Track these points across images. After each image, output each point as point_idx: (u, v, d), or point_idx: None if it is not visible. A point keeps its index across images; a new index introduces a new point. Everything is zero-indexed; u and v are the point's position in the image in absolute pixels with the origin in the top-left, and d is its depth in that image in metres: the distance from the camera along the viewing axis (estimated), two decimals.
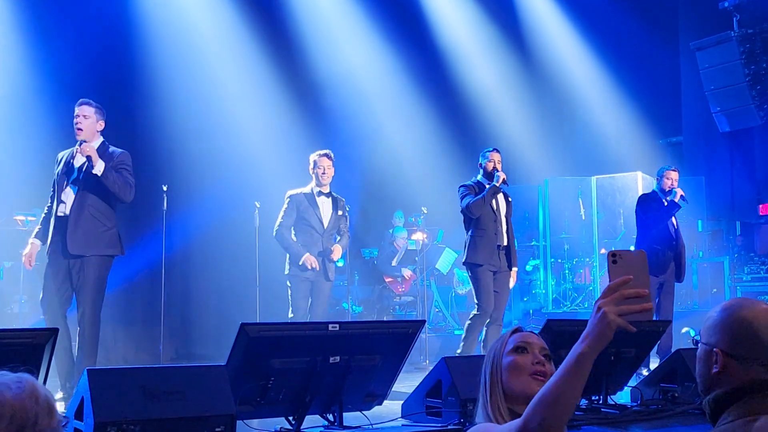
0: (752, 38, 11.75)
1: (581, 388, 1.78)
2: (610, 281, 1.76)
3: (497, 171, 7.04)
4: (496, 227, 7.02)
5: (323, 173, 7.03)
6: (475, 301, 7.06)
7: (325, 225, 7.04)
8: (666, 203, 7.66)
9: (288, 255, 7.07)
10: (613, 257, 1.76)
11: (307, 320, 6.81)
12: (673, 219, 7.74)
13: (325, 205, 7.08)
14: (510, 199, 7.32)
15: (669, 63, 13.47)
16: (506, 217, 7.15)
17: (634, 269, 1.75)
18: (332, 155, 7.12)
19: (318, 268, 6.96)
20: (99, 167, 5.75)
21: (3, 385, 1.40)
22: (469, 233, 7.08)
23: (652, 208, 7.69)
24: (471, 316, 7.02)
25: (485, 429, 2.00)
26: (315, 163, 7.09)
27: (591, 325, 1.77)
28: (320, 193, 7.09)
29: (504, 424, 1.95)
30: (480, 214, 6.98)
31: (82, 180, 5.81)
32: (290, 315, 7.00)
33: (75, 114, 5.87)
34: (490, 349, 2.30)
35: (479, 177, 7.20)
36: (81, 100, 5.97)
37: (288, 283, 7.08)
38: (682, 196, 7.62)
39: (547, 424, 1.77)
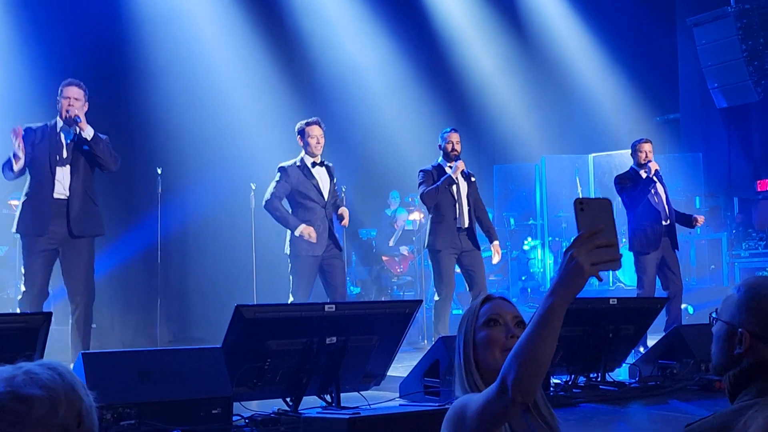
0: (749, 14, 11.67)
1: (555, 342, 1.71)
2: (578, 229, 1.68)
3: (456, 160, 6.96)
4: (456, 211, 6.95)
5: (317, 143, 6.48)
6: (434, 287, 7.04)
7: (326, 196, 6.51)
8: (644, 177, 7.54)
9: (289, 233, 6.48)
10: (581, 204, 1.70)
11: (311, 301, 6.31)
12: (661, 191, 7.59)
13: (321, 176, 6.56)
14: (473, 179, 7.18)
15: (666, 39, 13.39)
16: (468, 197, 7.05)
17: (601, 217, 1.70)
18: (322, 123, 6.61)
19: (315, 241, 6.36)
20: (89, 131, 5.63)
21: (45, 374, 1.36)
22: (430, 217, 7.07)
23: (628, 187, 7.57)
24: (434, 303, 6.99)
25: (467, 399, 1.95)
26: (305, 132, 6.51)
27: (563, 275, 1.66)
28: (314, 164, 6.55)
29: (483, 390, 1.91)
30: (435, 203, 6.93)
31: (74, 159, 5.68)
32: (290, 299, 6.35)
33: (63, 95, 5.70)
34: (461, 323, 2.16)
35: (440, 159, 7.13)
36: (69, 80, 5.80)
37: (289, 262, 6.47)
38: (656, 171, 7.50)
39: (521, 382, 1.72)
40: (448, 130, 7.18)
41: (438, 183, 6.90)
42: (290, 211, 6.58)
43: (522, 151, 12.80)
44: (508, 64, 12.79)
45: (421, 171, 7.08)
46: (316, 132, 6.50)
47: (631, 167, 7.71)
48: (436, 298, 6.97)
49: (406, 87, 11.83)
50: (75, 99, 5.69)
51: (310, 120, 6.57)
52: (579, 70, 13.25)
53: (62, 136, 5.72)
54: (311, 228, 6.35)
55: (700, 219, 7.89)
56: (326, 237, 6.46)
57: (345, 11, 11.26)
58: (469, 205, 7.04)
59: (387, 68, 11.70)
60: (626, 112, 13.29)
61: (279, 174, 6.52)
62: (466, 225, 6.99)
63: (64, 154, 5.69)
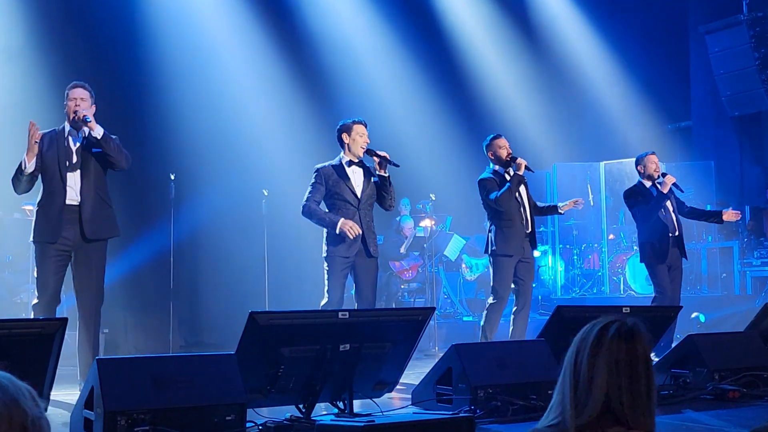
0: (762, 22, 11.66)
1: None
2: None
3: (516, 159, 6.81)
4: (522, 215, 6.85)
5: (365, 142, 6.26)
6: (493, 287, 6.85)
7: (359, 196, 6.23)
8: (656, 192, 7.49)
9: (324, 233, 6.25)
10: None
11: (342, 306, 6.14)
12: (668, 204, 7.54)
13: (356, 175, 6.29)
14: (525, 180, 7.04)
15: (678, 47, 13.38)
16: (528, 200, 6.97)
17: None
18: (366, 123, 6.38)
19: (359, 233, 6.11)
20: (99, 130, 5.55)
21: None
22: (495, 224, 6.86)
23: (640, 203, 7.56)
24: (488, 305, 6.82)
25: None
26: (351, 129, 6.28)
27: None
28: (350, 163, 6.27)
29: None
30: (507, 206, 6.78)
31: (84, 162, 5.62)
32: (323, 302, 6.14)
33: (69, 98, 5.65)
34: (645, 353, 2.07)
35: (492, 166, 6.97)
36: (74, 82, 5.74)
37: (325, 265, 6.20)
38: (674, 183, 7.47)
39: None
40: (494, 136, 7.04)
41: (508, 184, 6.75)
42: (328, 211, 6.32)
43: (533, 159, 12.74)
44: (519, 72, 12.80)
45: (481, 180, 6.91)
46: (363, 131, 6.30)
47: (639, 181, 7.69)
48: (492, 300, 6.78)
49: (417, 93, 11.84)
50: (81, 99, 5.63)
51: (356, 119, 6.37)
52: (590, 78, 13.24)
53: (70, 140, 5.65)
54: (352, 222, 6.09)
55: (731, 215, 7.64)
56: (359, 240, 6.17)
57: (360, 18, 11.29)
58: (529, 207, 6.95)
59: (399, 74, 11.72)
60: (638, 119, 13.28)
61: (314, 176, 6.29)
62: (530, 229, 6.90)
63: (74, 159, 5.61)
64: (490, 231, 6.92)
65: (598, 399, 1.95)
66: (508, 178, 6.86)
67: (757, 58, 11.64)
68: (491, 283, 6.92)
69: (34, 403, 1.35)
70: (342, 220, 6.09)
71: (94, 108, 5.71)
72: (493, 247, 6.85)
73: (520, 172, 6.79)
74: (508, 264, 6.79)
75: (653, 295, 7.67)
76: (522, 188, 6.93)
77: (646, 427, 1.96)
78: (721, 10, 12.14)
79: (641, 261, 7.80)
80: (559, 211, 7.17)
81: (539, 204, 7.20)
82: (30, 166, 5.53)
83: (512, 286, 6.85)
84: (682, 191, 7.63)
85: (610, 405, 1.95)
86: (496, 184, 6.85)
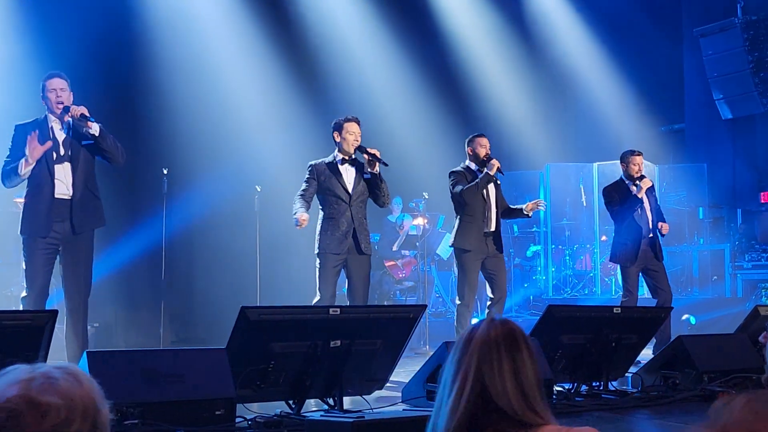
0: (756, 25, 11.70)
1: None
2: None
3: (491, 159, 6.91)
4: (485, 213, 6.92)
5: (355, 140, 6.25)
6: (457, 287, 6.96)
7: (351, 192, 6.27)
8: (634, 190, 7.43)
9: (317, 228, 6.28)
10: None
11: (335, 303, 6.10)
12: (647, 205, 7.52)
13: (348, 172, 6.31)
14: (498, 182, 7.11)
15: (672, 49, 13.41)
16: (497, 200, 7.02)
17: None
18: (360, 121, 6.41)
19: (301, 227, 6.19)
20: (96, 127, 5.45)
21: (63, 380, 1.29)
22: (458, 218, 7.01)
23: (615, 201, 7.53)
24: (457, 307, 6.90)
25: None
26: (343, 127, 6.31)
27: None
28: (343, 161, 6.31)
29: None
30: (471, 201, 6.90)
31: (72, 155, 5.52)
32: (315, 300, 6.16)
33: (49, 88, 5.48)
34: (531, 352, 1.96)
35: (467, 162, 7.06)
36: (50, 72, 5.60)
37: (317, 262, 6.25)
38: (649, 188, 7.46)
39: None
40: (477, 135, 7.14)
41: (476, 181, 6.85)
42: (321, 208, 6.38)
43: (526, 159, 12.80)
44: (513, 72, 12.81)
45: (452, 172, 7.03)
46: (354, 129, 6.32)
47: (621, 177, 7.67)
48: (458, 302, 6.88)
49: (411, 92, 11.84)
50: (61, 90, 5.49)
51: (349, 116, 6.41)
52: (584, 79, 13.26)
53: (56, 132, 5.53)
54: (303, 216, 6.14)
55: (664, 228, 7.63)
56: (350, 236, 6.22)
57: (354, 18, 11.28)
58: (497, 208, 7.00)
59: (392, 73, 11.72)
60: (631, 121, 13.29)
61: (308, 172, 6.35)
62: (493, 228, 6.94)
63: (61, 151, 5.51)
64: (455, 224, 7.03)
65: (470, 400, 1.83)
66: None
67: (750, 61, 11.68)
68: (457, 284, 6.99)
69: (102, 401, 1.32)
70: (299, 213, 6.15)
71: (71, 96, 5.57)
72: (453, 240, 7.00)
73: (491, 172, 6.87)
74: (469, 260, 6.86)
75: (626, 297, 7.64)
76: (492, 189, 7.00)
77: (543, 421, 1.86)
78: (715, 13, 12.18)
79: (611, 260, 7.87)
80: (525, 212, 7.16)
81: (511, 207, 7.24)
82: (27, 173, 5.47)
83: (486, 283, 6.94)
84: (653, 193, 7.62)
85: (499, 405, 1.82)
86: (464, 177, 6.95)
